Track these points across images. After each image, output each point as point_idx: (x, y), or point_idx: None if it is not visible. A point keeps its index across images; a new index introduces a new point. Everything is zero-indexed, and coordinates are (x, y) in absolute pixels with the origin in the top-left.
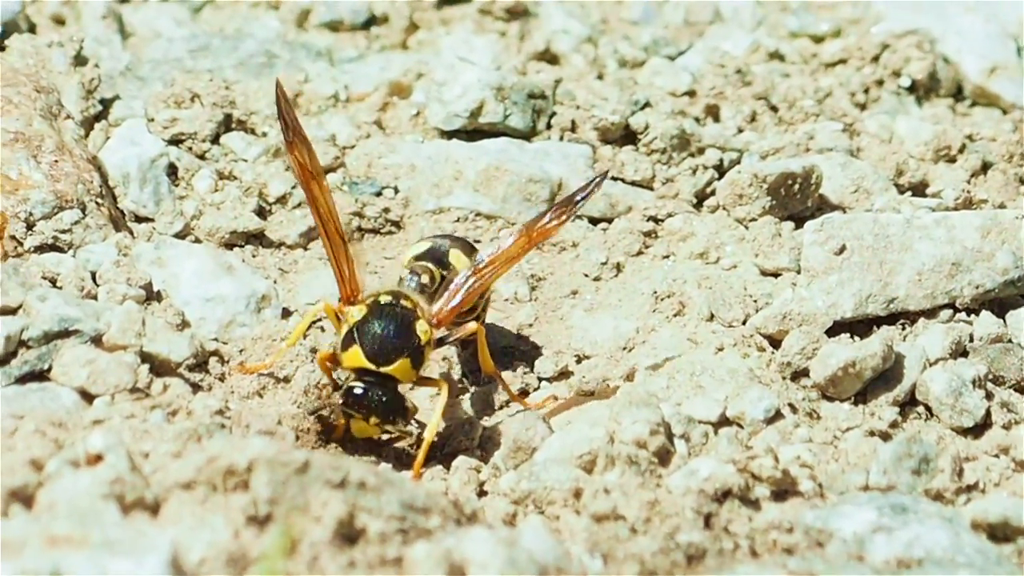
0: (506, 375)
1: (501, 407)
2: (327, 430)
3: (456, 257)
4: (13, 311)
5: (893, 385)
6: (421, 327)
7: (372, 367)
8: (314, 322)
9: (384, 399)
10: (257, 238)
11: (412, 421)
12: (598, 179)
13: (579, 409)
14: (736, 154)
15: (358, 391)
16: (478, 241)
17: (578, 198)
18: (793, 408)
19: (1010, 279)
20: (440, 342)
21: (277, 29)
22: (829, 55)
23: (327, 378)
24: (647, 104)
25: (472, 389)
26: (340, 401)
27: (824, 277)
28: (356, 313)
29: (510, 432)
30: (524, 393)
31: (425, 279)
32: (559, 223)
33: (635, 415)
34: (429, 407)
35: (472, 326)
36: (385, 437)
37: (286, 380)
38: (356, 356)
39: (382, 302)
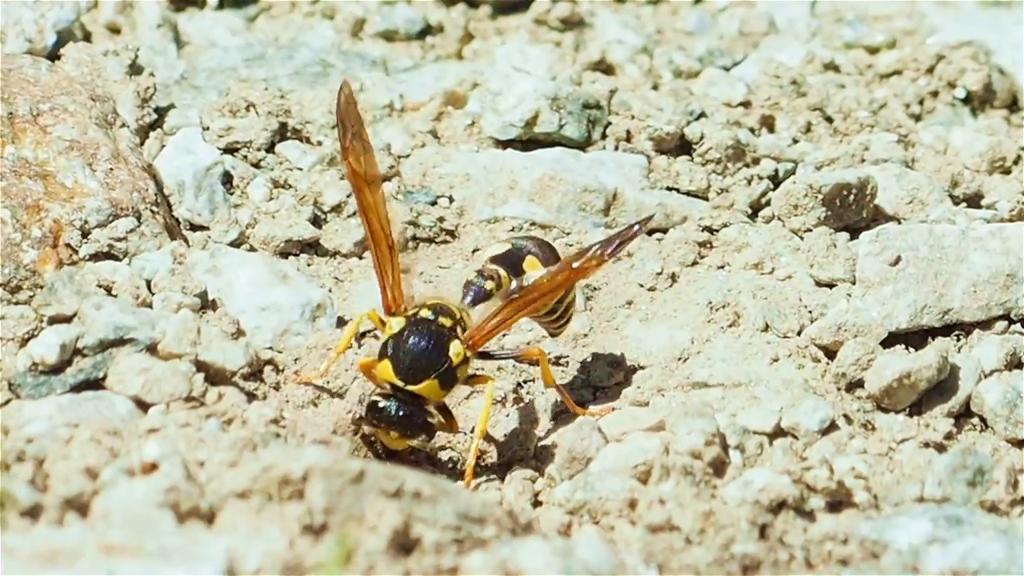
0: (560, 385)
1: (556, 416)
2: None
3: (531, 263)
4: (68, 319)
5: (948, 396)
6: (454, 348)
7: (400, 384)
8: (365, 333)
9: (402, 414)
10: (312, 247)
11: (454, 430)
12: (643, 224)
13: (634, 420)
14: (791, 165)
15: (379, 404)
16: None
17: (615, 244)
18: (848, 419)
19: None
20: (490, 356)
21: (332, 38)
22: (884, 66)
23: (368, 381)
24: (702, 114)
25: (527, 399)
26: (364, 414)
27: (879, 288)
28: (395, 325)
29: (565, 442)
30: (581, 404)
31: (490, 285)
32: (598, 264)
33: (690, 426)
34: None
35: (535, 352)
36: (415, 445)
37: (341, 391)
38: (386, 370)
39: (420, 316)
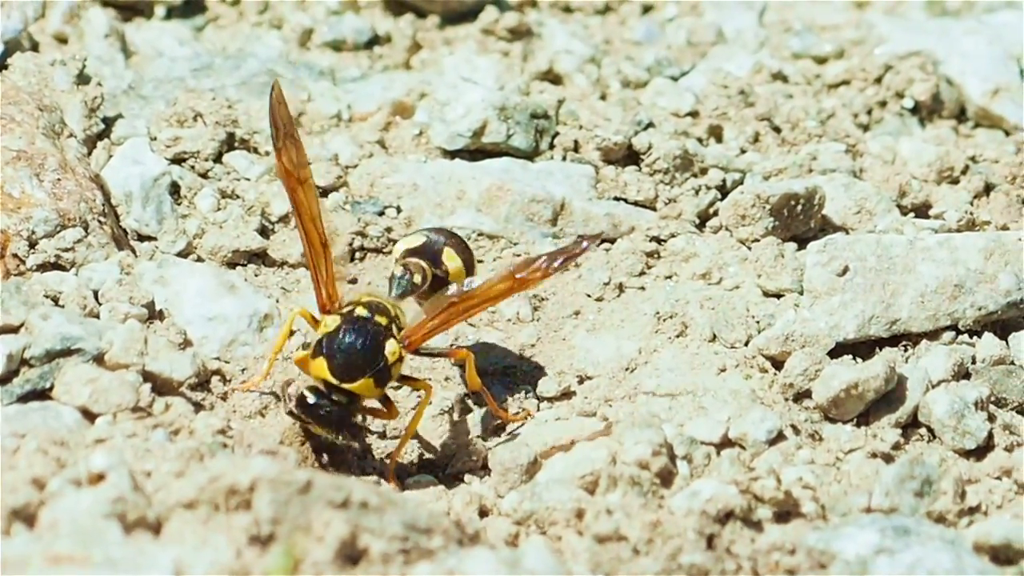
0: (507, 396)
1: (503, 426)
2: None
3: (449, 256)
4: (15, 329)
5: (895, 407)
6: (390, 347)
7: (335, 382)
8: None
9: (330, 413)
10: (259, 257)
11: (393, 415)
12: (592, 241)
13: (581, 430)
14: (739, 175)
15: (309, 400)
16: (480, 260)
17: (561, 259)
18: (795, 429)
19: (1012, 301)
20: (419, 352)
21: (280, 48)
22: (832, 76)
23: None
24: (650, 124)
25: (476, 409)
26: (292, 406)
27: (827, 298)
28: (330, 323)
29: (497, 458)
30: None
31: (417, 278)
32: (542, 276)
33: (637, 436)
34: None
35: (462, 353)
36: (338, 443)
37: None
38: (321, 368)
39: (356, 315)
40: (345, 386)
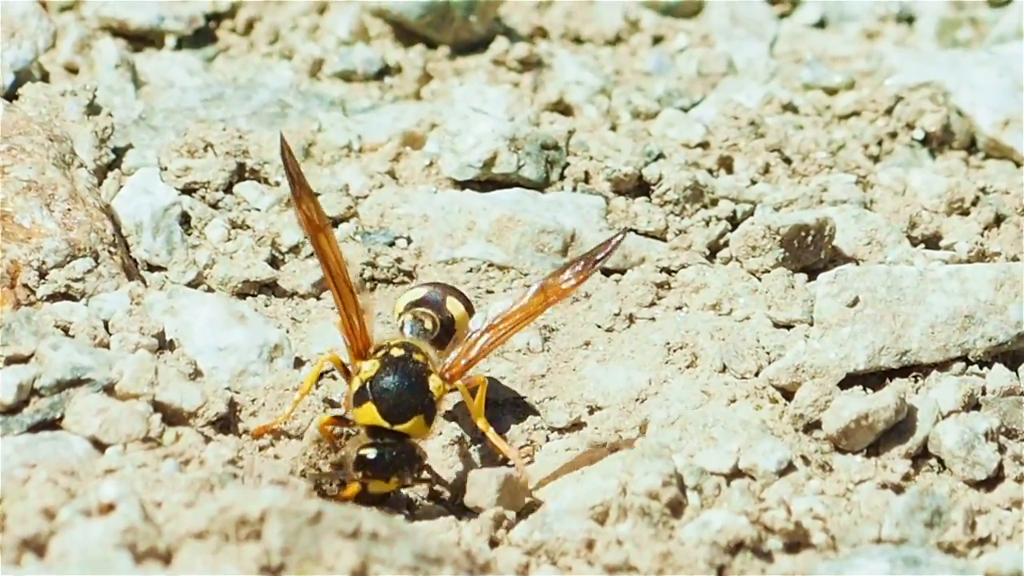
0: (516, 427)
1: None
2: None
3: (452, 304)
4: (25, 360)
5: (906, 438)
6: (434, 382)
7: (386, 425)
8: (323, 373)
9: (399, 456)
10: (270, 287)
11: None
12: (619, 236)
13: (591, 460)
14: (749, 206)
15: (371, 456)
16: (490, 291)
17: (598, 256)
18: (806, 460)
19: (1023, 332)
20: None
21: (290, 79)
22: (843, 107)
23: (327, 441)
24: (660, 155)
25: (485, 439)
26: (353, 470)
27: (837, 329)
28: (368, 368)
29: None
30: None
31: (428, 324)
32: (577, 282)
33: (648, 467)
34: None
35: (478, 378)
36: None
37: (298, 432)
38: (370, 413)
39: (394, 355)
40: (397, 428)
